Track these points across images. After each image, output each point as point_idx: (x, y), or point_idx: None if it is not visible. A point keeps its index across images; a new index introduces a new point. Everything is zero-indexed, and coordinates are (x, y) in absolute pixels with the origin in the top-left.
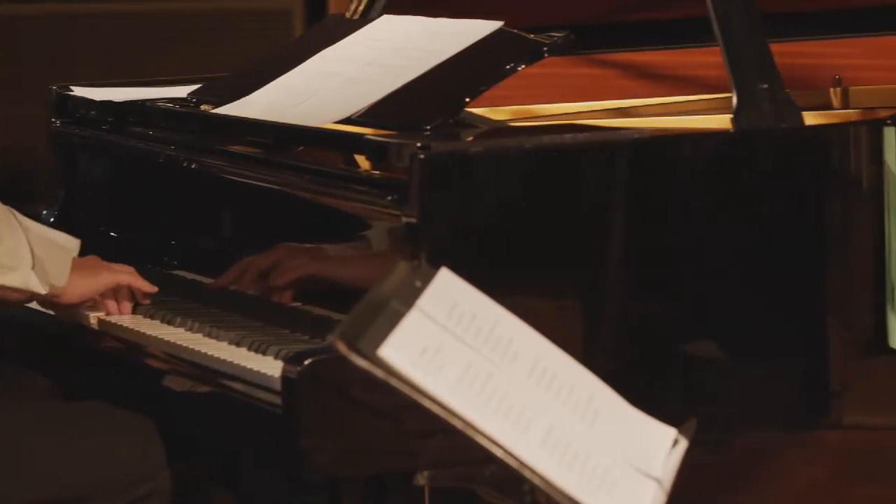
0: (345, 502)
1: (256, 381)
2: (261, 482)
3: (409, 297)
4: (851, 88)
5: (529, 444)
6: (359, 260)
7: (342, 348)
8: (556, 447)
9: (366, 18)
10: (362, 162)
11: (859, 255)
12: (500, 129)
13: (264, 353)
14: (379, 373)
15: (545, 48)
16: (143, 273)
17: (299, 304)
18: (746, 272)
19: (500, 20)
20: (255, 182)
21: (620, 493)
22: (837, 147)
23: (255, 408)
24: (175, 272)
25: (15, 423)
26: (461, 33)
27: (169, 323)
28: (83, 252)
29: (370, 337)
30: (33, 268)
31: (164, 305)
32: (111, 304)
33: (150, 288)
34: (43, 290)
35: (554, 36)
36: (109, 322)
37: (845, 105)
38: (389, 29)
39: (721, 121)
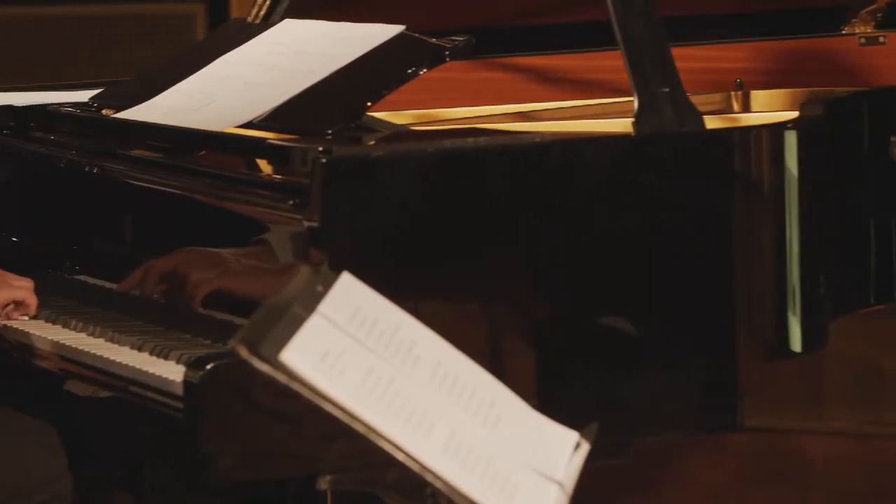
0: None
1: (158, 385)
2: (163, 487)
3: (310, 301)
4: (753, 92)
5: (431, 448)
6: (260, 264)
7: (244, 353)
8: (458, 451)
9: (267, 23)
10: (264, 166)
11: (761, 258)
12: (402, 133)
13: (166, 357)
14: (281, 377)
15: (447, 52)
16: (44, 278)
17: (201, 308)
18: (648, 276)
19: (401, 24)
20: (156, 186)
21: (522, 496)
22: (738, 150)
23: (156, 412)
24: (77, 277)
25: None
26: (362, 37)
27: (71, 328)
28: None
29: (272, 341)
30: None
31: (65, 310)
32: (10, 315)
33: (34, 309)
34: None
35: (455, 40)
36: (10, 327)
37: (746, 108)
38: (291, 33)
39: (622, 125)
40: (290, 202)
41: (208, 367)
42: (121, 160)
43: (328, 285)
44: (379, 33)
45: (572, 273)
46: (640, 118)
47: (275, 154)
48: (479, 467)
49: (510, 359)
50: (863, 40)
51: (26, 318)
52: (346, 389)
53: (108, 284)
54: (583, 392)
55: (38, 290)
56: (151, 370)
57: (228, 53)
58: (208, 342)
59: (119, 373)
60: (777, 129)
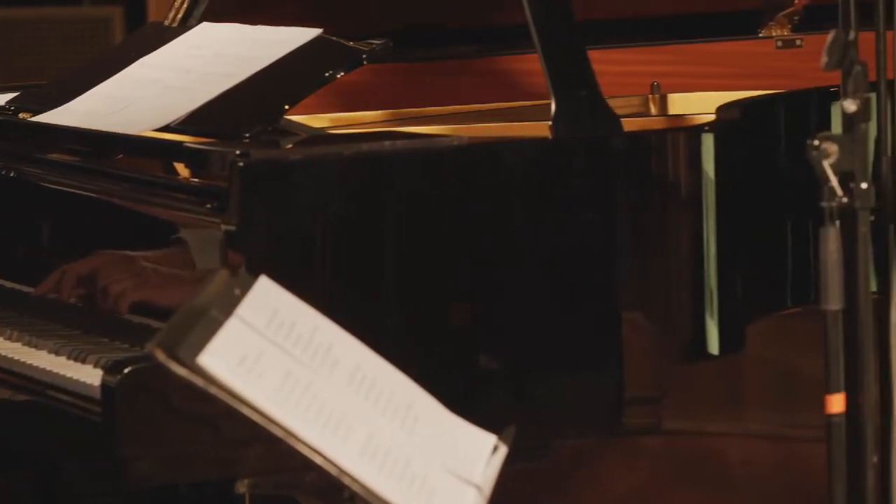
0: None
1: (76, 389)
2: (79, 491)
3: (228, 305)
4: (670, 95)
5: (349, 452)
6: (178, 268)
7: (161, 356)
8: (375, 454)
9: (185, 26)
10: (181, 170)
11: (678, 260)
12: (320, 136)
13: (84, 361)
14: (198, 381)
15: (364, 55)
16: None
17: (119, 312)
18: (566, 278)
19: (319, 27)
20: (74, 190)
21: (440, 499)
22: (656, 153)
23: (75, 417)
24: None
25: None
26: (280, 41)
27: None
28: None
29: (189, 345)
30: None
31: None
32: None
33: None
34: None
35: (373, 43)
36: None
37: (663, 111)
38: (208, 36)
39: (540, 128)
40: (208, 206)
41: (126, 370)
42: (38, 164)
43: (246, 289)
44: (296, 36)
45: (488, 275)
46: (557, 121)
47: (192, 157)
48: (396, 470)
49: (428, 361)
50: (780, 43)
51: None
52: (264, 393)
53: (24, 288)
54: (500, 395)
55: None
56: (69, 374)
57: (146, 57)
58: (126, 346)
59: (36, 376)
60: (694, 132)
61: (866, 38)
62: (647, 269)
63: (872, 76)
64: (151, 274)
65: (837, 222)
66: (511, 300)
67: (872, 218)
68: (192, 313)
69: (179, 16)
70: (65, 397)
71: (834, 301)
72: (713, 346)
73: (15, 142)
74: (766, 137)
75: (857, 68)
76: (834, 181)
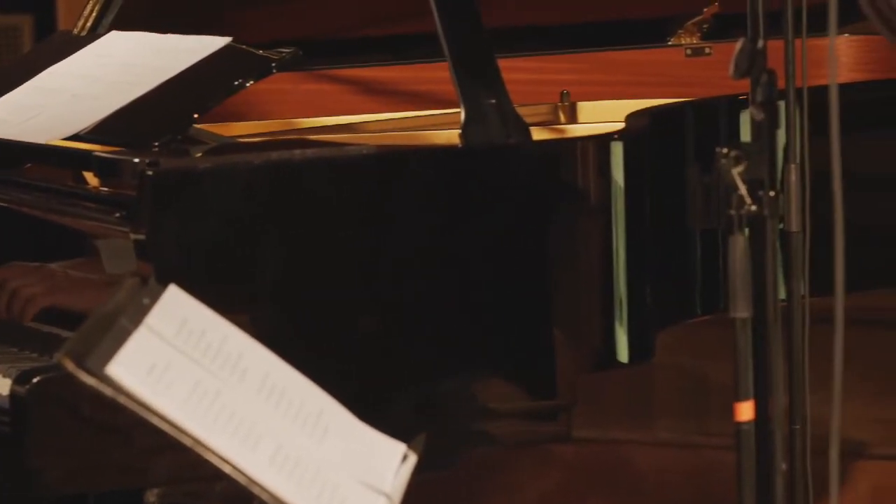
0: None
1: None
2: None
3: (137, 314)
4: (579, 103)
5: (258, 461)
6: (88, 277)
7: (70, 366)
8: (285, 464)
9: (94, 34)
10: (91, 179)
11: (588, 269)
12: (229, 145)
13: None
14: (107, 390)
15: (274, 64)
16: None
17: (28, 321)
18: (476, 287)
19: (228, 36)
20: None
21: None
22: (565, 162)
23: None
24: None
25: None
26: (190, 49)
27: None
28: None
29: (98, 354)
30: None
31: None
32: None
33: None
34: None
35: (282, 52)
36: None
37: (573, 120)
38: (118, 45)
39: (450, 136)
40: (117, 215)
41: (34, 380)
42: None
43: (155, 298)
44: (206, 45)
45: (398, 283)
46: (466, 129)
47: (101, 166)
48: (306, 479)
49: (338, 370)
50: (689, 51)
51: None
52: (173, 402)
53: None
54: (409, 403)
55: None
56: None
57: (55, 65)
58: (35, 355)
59: None
60: (603, 141)
61: (775, 47)
62: (557, 278)
63: (781, 84)
64: (61, 283)
65: (746, 230)
66: (420, 308)
67: (781, 226)
68: (101, 322)
69: (89, 24)
70: None
71: (742, 309)
72: (623, 355)
73: None
74: (676, 145)
75: (766, 77)
76: (743, 189)
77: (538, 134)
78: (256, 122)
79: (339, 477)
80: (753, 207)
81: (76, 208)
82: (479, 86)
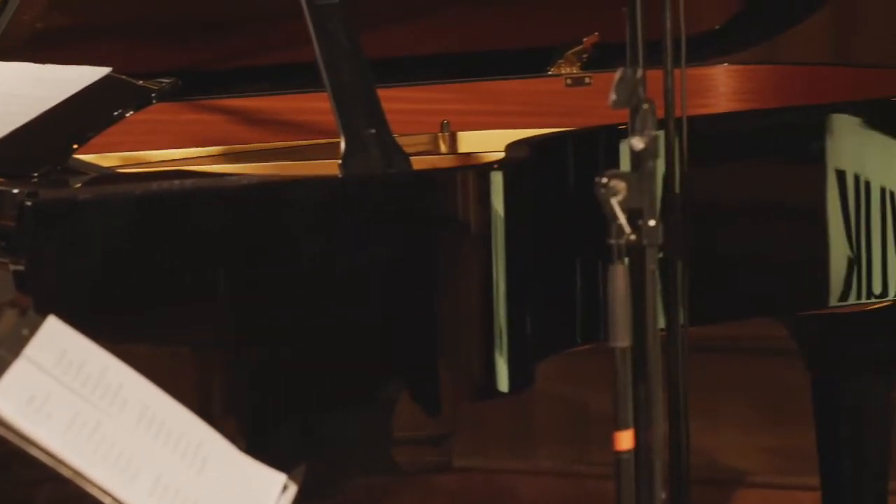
0: None
1: None
2: None
3: (16, 345)
4: (459, 133)
5: (138, 492)
6: None
7: None
8: (164, 494)
9: None
10: None
11: (468, 299)
12: (109, 175)
13: None
14: None
15: (153, 94)
16: None
17: None
18: (358, 316)
19: (108, 66)
20: None
21: None
22: (445, 191)
23: None
24: None
25: None
26: (69, 80)
27: None
28: None
29: None
30: None
31: None
32: None
33: None
34: None
35: (162, 82)
36: None
37: (453, 150)
38: None
39: (330, 166)
40: None
41: None
42: None
43: (34, 329)
44: (85, 76)
45: (280, 313)
46: (346, 160)
47: None
48: None
49: (218, 401)
50: (569, 81)
51: None
52: (53, 433)
53: None
54: (290, 434)
55: None
56: None
57: None
58: None
59: None
60: (483, 170)
61: (654, 76)
62: (438, 307)
63: (661, 113)
64: None
65: (626, 259)
66: (302, 337)
67: (661, 255)
68: None
69: None
70: None
71: (622, 338)
72: (503, 384)
73: None
74: (556, 175)
75: (645, 106)
76: (622, 218)
77: (419, 164)
78: (137, 152)
79: None
80: (633, 237)
81: None
82: (359, 116)
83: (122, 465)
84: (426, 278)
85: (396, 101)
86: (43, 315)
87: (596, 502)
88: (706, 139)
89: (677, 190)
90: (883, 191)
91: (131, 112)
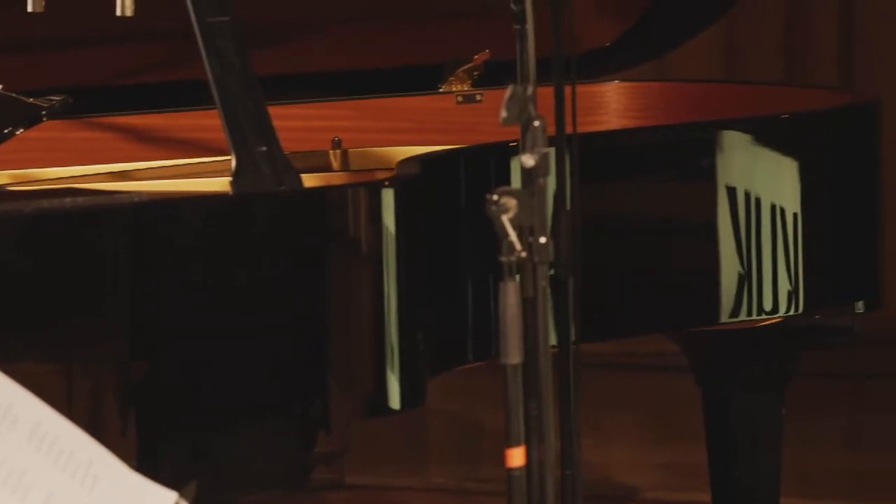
0: None
1: None
2: None
3: None
4: (351, 150)
5: None
6: None
7: None
8: None
9: None
10: None
11: (359, 316)
12: None
13: None
14: None
15: (43, 112)
16: None
17: None
18: (249, 334)
19: None
20: None
21: None
22: (337, 209)
23: None
24: None
25: None
26: None
27: None
28: None
29: None
30: None
31: None
32: None
33: None
34: None
35: (52, 99)
36: None
37: (345, 167)
38: None
39: (221, 184)
40: None
41: None
42: None
43: None
44: None
45: (171, 331)
46: (237, 177)
47: None
48: None
49: (109, 419)
50: (460, 98)
51: None
52: None
53: None
54: (181, 451)
55: None
56: None
57: None
58: None
59: None
60: (374, 188)
61: (545, 93)
62: (330, 324)
63: (551, 130)
64: None
65: (517, 276)
66: (193, 355)
67: (552, 272)
68: None
69: None
70: None
71: (514, 355)
72: (395, 402)
73: None
74: (447, 192)
75: (536, 123)
76: (513, 236)
77: (310, 181)
78: (27, 170)
79: None
80: (524, 254)
81: None
82: (249, 133)
83: (11, 484)
84: (317, 296)
85: (288, 119)
86: None
87: None
88: (597, 156)
89: (568, 207)
90: (773, 207)
91: (21, 130)
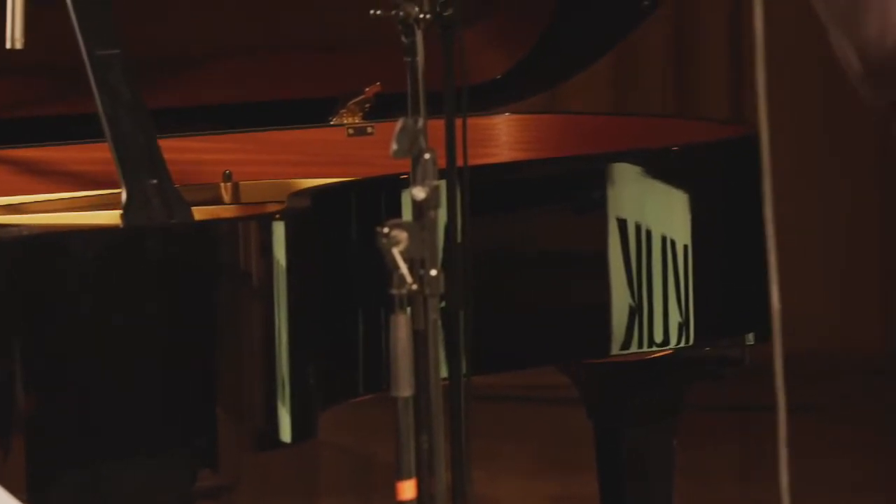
0: None
1: None
2: None
3: None
4: (242, 183)
5: None
6: None
7: None
8: None
9: None
10: None
11: (250, 349)
12: None
13: None
14: None
15: None
16: None
17: None
18: (137, 369)
19: None
20: None
21: None
22: (227, 242)
23: None
24: None
25: None
26: None
27: None
28: None
29: None
30: None
31: None
32: None
33: None
34: None
35: None
36: None
37: (236, 200)
38: None
39: (112, 217)
40: None
41: None
42: None
43: None
44: None
45: (58, 367)
46: (128, 210)
47: None
48: None
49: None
50: (351, 131)
51: None
52: None
53: None
54: (70, 486)
55: None
56: None
57: None
58: None
59: None
60: (265, 221)
61: (436, 126)
62: (221, 357)
63: (442, 163)
64: None
65: (408, 309)
66: (79, 390)
67: (443, 304)
68: None
69: None
70: None
71: (404, 388)
72: (286, 434)
73: None
74: (338, 225)
75: (427, 156)
76: (404, 268)
77: (201, 214)
78: None
79: None
80: (415, 286)
81: None
82: (140, 167)
83: None
84: (208, 329)
85: (178, 152)
86: None
87: None
88: (488, 188)
89: (459, 239)
90: (664, 239)
91: None
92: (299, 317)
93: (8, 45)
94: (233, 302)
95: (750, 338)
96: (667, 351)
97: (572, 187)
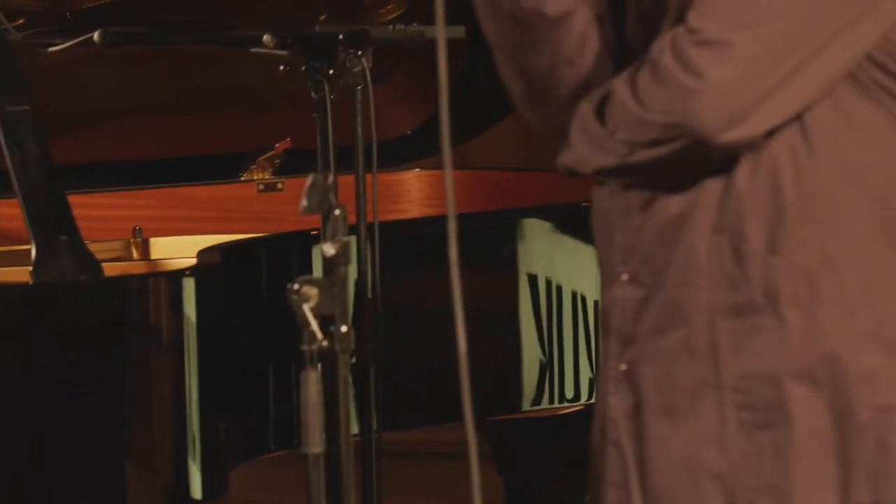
0: None
1: None
2: None
3: None
4: (152, 239)
5: None
6: None
7: None
8: None
9: None
10: None
11: (160, 405)
12: None
13: None
14: None
15: None
16: None
17: None
18: (46, 426)
19: None
20: None
21: None
22: (137, 298)
23: None
24: None
25: None
26: None
27: None
28: None
29: None
30: None
31: None
32: None
33: None
34: None
35: None
36: None
37: (146, 256)
38: None
39: (21, 273)
40: None
41: None
42: None
43: None
44: None
45: None
46: (38, 266)
47: None
48: None
49: None
50: (261, 187)
51: None
52: None
53: None
54: None
55: None
56: None
57: None
58: None
59: None
60: (175, 277)
61: (346, 182)
62: (131, 414)
63: (352, 219)
64: None
65: (319, 365)
66: None
67: (353, 360)
68: None
69: None
70: None
71: (315, 444)
72: (196, 491)
73: None
74: (249, 281)
75: (337, 212)
76: (314, 324)
77: (111, 270)
78: None
79: None
80: (325, 343)
81: None
82: (49, 222)
83: None
84: (117, 385)
85: (88, 208)
86: None
87: None
88: (398, 244)
89: (369, 295)
90: (574, 294)
91: None
92: (210, 373)
93: None
94: (143, 358)
95: None
96: (578, 406)
97: (483, 243)
